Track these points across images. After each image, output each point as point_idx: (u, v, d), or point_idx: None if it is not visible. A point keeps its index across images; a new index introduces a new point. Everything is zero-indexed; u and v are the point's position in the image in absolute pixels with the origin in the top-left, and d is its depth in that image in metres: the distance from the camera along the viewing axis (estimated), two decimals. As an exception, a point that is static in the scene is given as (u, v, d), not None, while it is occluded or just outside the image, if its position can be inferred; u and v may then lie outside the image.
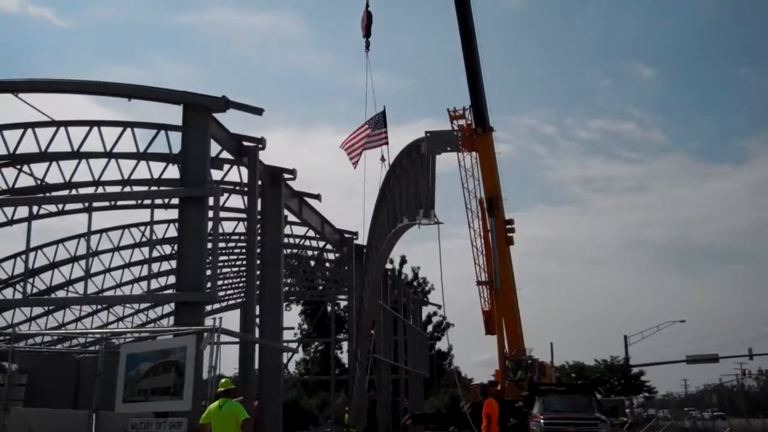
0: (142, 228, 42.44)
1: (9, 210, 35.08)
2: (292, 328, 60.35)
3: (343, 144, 30.86)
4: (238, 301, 59.01)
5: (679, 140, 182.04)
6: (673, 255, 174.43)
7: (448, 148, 18.26)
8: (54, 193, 32.55)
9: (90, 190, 31.22)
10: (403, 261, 75.57)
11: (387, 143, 29.74)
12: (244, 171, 26.69)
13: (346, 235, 38.01)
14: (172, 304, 25.17)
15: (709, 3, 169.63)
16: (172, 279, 46.46)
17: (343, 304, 60.19)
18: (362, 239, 37.16)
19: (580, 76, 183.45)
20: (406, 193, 22.22)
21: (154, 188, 29.07)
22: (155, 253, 42.73)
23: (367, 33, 33.48)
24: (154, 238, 34.59)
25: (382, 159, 29.71)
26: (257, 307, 27.25)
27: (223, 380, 14.22)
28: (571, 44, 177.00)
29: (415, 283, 75.40)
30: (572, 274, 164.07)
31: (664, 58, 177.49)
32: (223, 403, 13.40)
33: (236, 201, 33.18)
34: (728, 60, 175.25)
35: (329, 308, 57.20)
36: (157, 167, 28.96)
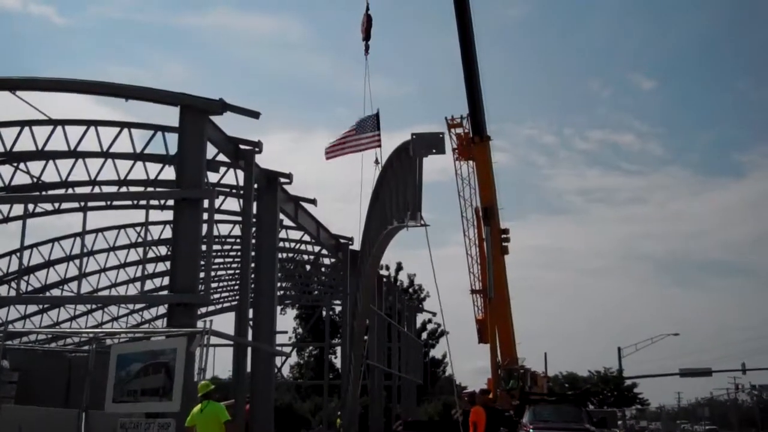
0: (137, 228, 42.44)
1: (5, 207, 35.09)
2: (286, 332, 60.32)
3: (328, 151, 30.66)
4: (233, 303, 59.01)
5: (678, 153, 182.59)
6: (670, 267, 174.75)
7: (434, 151, 18.23)
8: (50, 192, 32.58)
9: (86, 189, 31.25)
10: (399, 268, 75.64)
11: (380, 146, 29.72)
12: (241, 174, 26.78)
13: (342, 241, 38.07)
14: (167, 305, 25.19)
15: (709, 15, 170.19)
16: (167, 280, 46.48)
17: (338, 309, 60.19)
18: (358, 245, 37.22)
19: (581, 86, 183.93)
20: (396, 196, 22.32)
21: (150, 189, 29.13)
22: (150, 254, 42.79)
23: (367, 36, 33.62)
24: (149, 238, 34.63)
25: (376, 162, 29.71)
26: (251, 310, 27.31)
27: (202, 383, 14.32)
28: (571, 54, 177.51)
29: (410, 290, 75.44)
30: (568, 284, 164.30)
31: (664, 70, 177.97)
32: (205, 405, 13.51)
33: (232, 204, 33.29)
34: (728, 72, 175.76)
35: (324, 313, 57.23)
36: (153, 168, 29.00)
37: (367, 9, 33.81)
